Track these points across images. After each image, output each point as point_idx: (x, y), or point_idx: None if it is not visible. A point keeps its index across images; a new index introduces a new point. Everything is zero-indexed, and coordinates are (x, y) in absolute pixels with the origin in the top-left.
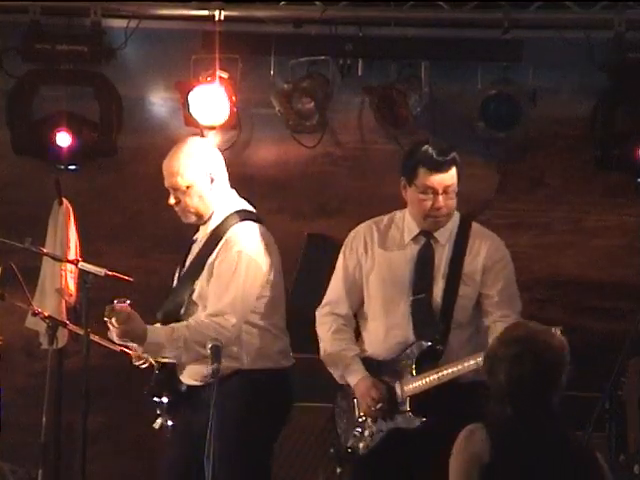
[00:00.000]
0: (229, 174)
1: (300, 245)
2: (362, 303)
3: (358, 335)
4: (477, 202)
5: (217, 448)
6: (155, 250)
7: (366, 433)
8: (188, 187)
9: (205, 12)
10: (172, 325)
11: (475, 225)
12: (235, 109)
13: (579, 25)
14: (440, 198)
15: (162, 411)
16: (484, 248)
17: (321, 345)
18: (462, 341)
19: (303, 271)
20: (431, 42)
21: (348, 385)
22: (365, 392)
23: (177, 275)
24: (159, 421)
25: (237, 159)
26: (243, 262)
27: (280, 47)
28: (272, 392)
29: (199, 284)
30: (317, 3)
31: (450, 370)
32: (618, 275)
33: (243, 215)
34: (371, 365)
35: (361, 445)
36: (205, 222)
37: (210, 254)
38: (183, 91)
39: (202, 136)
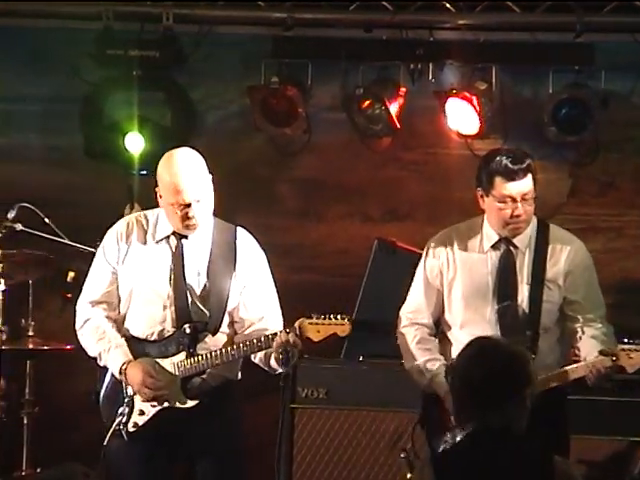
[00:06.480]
0: (299, 178)
1: (369, 249)
2: (442, 311)
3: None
4: (549, 206)
5: None
6: None
7: (458, 438)
8: None
9: (275, 17)
10: None
11: (553, 228)
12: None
13: None
14: (519, 205)
15: None
16: (565, 252)
17: (405, 355)
18: (551, 345)
19: (372, 276)
20: (502, 46)
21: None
22: (451, 406)
23: None
24: None
25: (307, 163)
26: None
27: (350, 51)
28: None
29: None
30: (388, 7)
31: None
32: None
33: None
34: None
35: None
36: None
37: None
38: (254, 96)
39: None
